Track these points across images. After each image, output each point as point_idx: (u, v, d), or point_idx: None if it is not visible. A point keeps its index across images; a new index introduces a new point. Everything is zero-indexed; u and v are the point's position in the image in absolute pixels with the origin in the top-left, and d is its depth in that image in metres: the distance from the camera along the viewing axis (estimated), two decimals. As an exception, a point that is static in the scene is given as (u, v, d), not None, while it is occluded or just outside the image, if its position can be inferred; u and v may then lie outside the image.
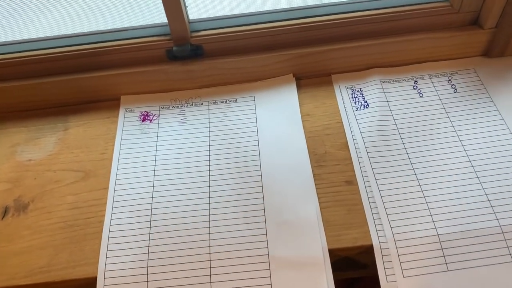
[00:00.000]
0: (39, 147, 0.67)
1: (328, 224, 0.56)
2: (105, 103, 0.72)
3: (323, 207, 0.57)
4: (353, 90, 0.70)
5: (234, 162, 0.63)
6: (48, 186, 0.62)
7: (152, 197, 0.60)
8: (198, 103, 0.70)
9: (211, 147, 0.65)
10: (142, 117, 0.69)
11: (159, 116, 0.69)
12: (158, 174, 0.62)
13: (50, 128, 0.69)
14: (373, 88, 0.69)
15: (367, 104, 0.67)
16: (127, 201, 0.60)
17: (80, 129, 0.69)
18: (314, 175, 0.60)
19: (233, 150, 0.64)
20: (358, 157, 0.62)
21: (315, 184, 0.59)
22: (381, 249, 0.54)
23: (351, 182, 0.60)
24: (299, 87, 0.71)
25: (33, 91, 0.70)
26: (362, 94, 0.69)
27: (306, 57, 0.70)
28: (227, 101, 0.70)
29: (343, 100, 0.69)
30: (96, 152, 0.66)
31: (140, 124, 0.68)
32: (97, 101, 0.72)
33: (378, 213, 0.56)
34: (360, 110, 0.67)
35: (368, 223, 0.56)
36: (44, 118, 0.71)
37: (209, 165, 0.63)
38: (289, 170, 0.61)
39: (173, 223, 0.58)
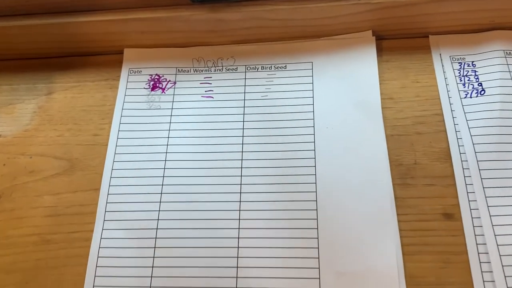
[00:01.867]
0: (12, 117, 0.49)
1: (413, 282, 0.37)
2: (102, 58, 0.52)
3: (407, 253, 0.38)
4: (461, 63, 0.47)
5: (278, 166, 0.43)
6: (20, 178, 0.45)
7: (159, 210, 0.42)
8: (231, 67, 0.49)
9: (245, 138, 0.45)
10: (152, 83, 0.49)
11: (175, 83, 0.49)
12: (170, 175, 0.44)
13: (28, 89, 0.51)
14: (492, 63, 0.46)
15: (482, 89, 0.45)
16: (125, 212, 0.43)
17: (67, 95, 0.50)
18: (396, 198, 0.41)
19: (276, 146, 0.44)
20: (464, 175, 0.41)
21: (397, 215, 0.40)
22: (493, 331, 0.35)
23: (452, 215, 0.40)
24: (380, 52, 0.48)
25: (5, 37, 0.50)
26: (475, 71, 0.46)
27: (394, 9, 0.46)
28: (272, 67, 0.48)
29: (445, 78, 0.46)
30: (87, 132, 0.47)
31: (149, 94, 0.49)
32: (92, 53, 0.52)
33: (491, 271, 0.37)
34: (471, 97, 0.45)
35: (475, 285, 0.37)
36: (20, 74, 0.52)
37: (242, 167, 0.44)
38: (358, 186, 0.41)
39: (188, 245, 0.41)
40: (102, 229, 0.42)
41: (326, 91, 0.46)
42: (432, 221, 0.40)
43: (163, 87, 0.49)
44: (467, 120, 0.43)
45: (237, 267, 0.39)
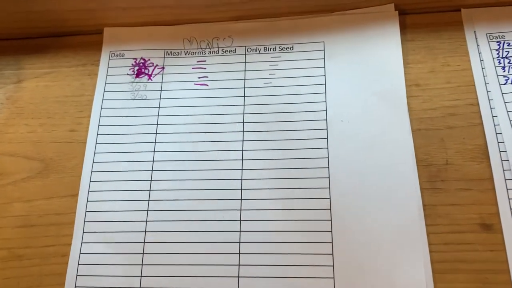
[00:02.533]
0: (-23, 110, 0.43)
1: (445, 307, 0.32)
2: (79, 39, 0.45)
3: (438, 272, 0.33)
4: (500, 43, 0.39)
5: (284, 168, 0.37)
6: (-14, 182, 0.39)
7: (147, 220, 0.36)
8: (229, 48, 0.42)
9: (246, 134, 0.38)
10: (137, 68, 0.42)
11: (163, 68, 0.42)
12: (159, 178, 0.38)
13: (-6, 77, 0.44)
14: (538, 41, 0.39)
15: (527, 73, 0.38)
16: (108, 223, 0.37)
17: (39, 83, 0.43)
18: (424, 206, 0.34)
19: (282, 144, 0.38)
20: (505, 178, 0.35)
21: (426, 225, 0.34)
22: None
23: (491, 226, 0.34)
24: (403, 29, 0.41)
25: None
26: (518, 51, 0.39)
27: (422, -24, 0.39)
28: (277, 49, 0.41)
29: (481, 61, 0.39)
30: (62, 128, 0.41)
31: (133, 82, 0.42)
32: (66, 34, 0.45)
33: (539, 294, 0.31)
34: (512, 83, 0.38)
35: (519, 311, 0.31)
36: (-15, 59, 0.45)
37: (242, 168, 0.37)
38: (379, 192, 0.35)
39: (181, 262, 0.35)
40: (81, 243, 0.36)
41: (340, 77, 0.39)
42: (467, 233, 0.34)
43: (150, 73, 0.42)
44: (507, 111, 0.37)
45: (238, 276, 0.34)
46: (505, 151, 0.35)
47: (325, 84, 0.39)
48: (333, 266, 0.33)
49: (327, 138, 0.37)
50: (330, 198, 0.35)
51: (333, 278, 0.33)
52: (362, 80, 0.39)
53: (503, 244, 0.33)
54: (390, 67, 0.39)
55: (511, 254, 0.33)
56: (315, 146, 0.37)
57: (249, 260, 0.34)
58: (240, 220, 0.36)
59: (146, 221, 0.36)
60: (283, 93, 0.39)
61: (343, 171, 0.36)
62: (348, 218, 0.35)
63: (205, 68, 0.41)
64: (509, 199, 0.34)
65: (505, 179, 0.35)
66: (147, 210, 0.37)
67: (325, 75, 0.40)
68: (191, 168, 0.38)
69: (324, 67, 0.40)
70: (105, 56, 0.43)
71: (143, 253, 0.35)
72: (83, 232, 0.37)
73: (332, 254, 0.34)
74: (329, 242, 0.34)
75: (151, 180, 0.38)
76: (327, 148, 0.37)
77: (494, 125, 0.36)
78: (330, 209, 0.35)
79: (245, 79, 0.40)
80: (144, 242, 0.36)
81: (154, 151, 0.39)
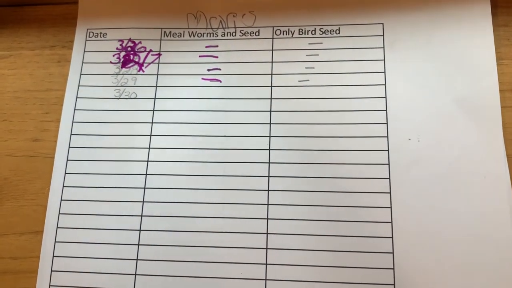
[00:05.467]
0: None
1: None
2: (45, 11, 0.33)
3: None
4: None
5: (325, 205, 0.26)
6: None
7: (136, 274, 0.26)
8: (250, 29, 0.30)
9: (273, 153, 0.28)
10: (124, 54, 0.31)
11: (159, 55, 0.31)
12: (152, 213, 0.27)
13: None
14: None
15: None
16: (83, 275, 0.27)
17: (-8, 71, 0.32)
18: (527, 269, 0.24)
19: (323, 168, 0.27)
20: None
21: (530, 296, 0.24)
22: None
23: None
24: (494, 10, 0.29)
25: None
26: None
27: None
28: (317, 32, 0.30)
29: None
30: (22, 135, 0.30)
31: (119, 74, 0.31)
32: (29, 3, 0.33)
33: None
34: None
35: None
36: None
37: (268, 203, 0.27)
38: (463, 248, 0.25)
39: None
40: (50, 279, 0.26)
41: (407, 75, 0.28)
42: None
43: (141, 61, 0.31)
44: None
45: None
46: None
47: (385, 84, 0.28)
48: None
49: (388, 164, 0.27)
50: (393, 253, 0.25)
51: None
52: (437, 81, 0.28)
53: None
54: (476, 63, 0.28)
55: None
56: (371, 175, 0.27)
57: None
58: (266, 280, 0.26)
59: (135, 274, 0.26)
60: (325, 96, 0.28)
61: (411, 211, 0.26)
62: (417, 282, 0.25)
63: (217, 57, 0.30)
64: None
65: None
66: (137, 260, 0.27)
67: (384, 72, 0.28)
68: (198, 199, 0.27)
69: (384, 59, 0.29)
70: (80, 35, 0.32)
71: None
72: (50, 286, 0.27)
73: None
74: (391, 315, 0.24)
75: (141, 216, 0.27)
76: (389, 178, 0.26)
77: None
78: (393, 268, 0.25)
79: (272, 74, 0.29)
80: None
81: (146, 174, 0.28)
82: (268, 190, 0.27)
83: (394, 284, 0.25)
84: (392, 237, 0.25)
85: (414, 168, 0.26)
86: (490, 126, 0.27)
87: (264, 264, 0.26)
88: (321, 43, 0.29)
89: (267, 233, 0.26)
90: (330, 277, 0.25)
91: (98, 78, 0.30)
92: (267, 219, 0.27)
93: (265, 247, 0.26)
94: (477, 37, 0.28)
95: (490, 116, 0.27)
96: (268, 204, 0.27)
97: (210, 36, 0.31)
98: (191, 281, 0.26)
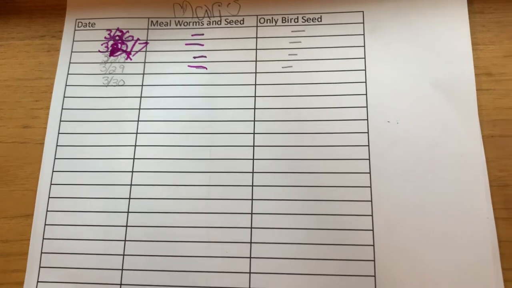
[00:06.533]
0: None
1: None
2: (36, 1, 0.34)
3: (521, 336, 0.24)
4: None
5: (308, 186, 0.27)
6: None
7: (124, 254, 0.27)
8: (234, 18, 0.31)
9: (258, 136, 0.29)
10: (112, 42, 0.32)
11: (146, 43, 0.31)
12: (140, 196, 0.28)
13: None
14: None
15: None
16: (72, 256, 0.27)
17: (-18, 61, 0.33)
18: (499, 242, 0.25)
19: (306, 151, 0.28)
20: None
21: (502, 270, 0.25)
22: None
23: None
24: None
25: None
26: None
27: None
28: (300, 20, 0.31)
29: None
30: (13, 122, 0.31)
31: (107, 62, 0.31)
32: (18, -6, 0.34)
33: None
34: None
35: None
36: None
37: (252, 185, 0.28)
38: (439, 223, 0.26)
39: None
40: (37, 282, 0.27)
41: (386, 61, 0.29)
42: (560, 282, 0.25)
43: (129, 49, 0.31)
44: None
45: None
46: None
47: (365, 70, 0.29)
48: (376, 324, 0.25)
49: (368, 146, 0.28)
50: (373, 230, 0.26)
51: None
52: (416, 65, 0.29)
53: None
54: (453, 48, 0.29)
55: None
56: (352, 156, 0.28)
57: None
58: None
59: (124, 254, 0.27)
60: (307, 82, 0.29)
61: (391, 194, 0.27)
62: (396, 259, 0.26)
63: (202, 45, 0.31)
64: None
65: None
66: (125, 240, 0.27)
67: (364, 58, 0.29)
68: (183, 182, 0.28)
69: (364, 46, 0.30)
70: (69, 25, 0.32)
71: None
72: (40, 267, 0.27)
73: (376, 308, 0.25)
74: (371, 275, 0.25)
75: (129, 198, 0.28)
76: (369, 159, 0.27)
77: None
78: (374, 245, 0.26)
79: (256, 61, 0.30)
80: (121, 284, 0.27)
81: (134, 158, 0.29)
82: (253, 172, 0.28)
83: (374, 260, 0.26)
84: (372, 215, 0.26)
85: (393, 149, 0.27)
86: (466, 108, 0.28)
87: (248, 243, 0.27)
88: (304, 30, 0.30)
89: (251, 213, 0.27)
90: (314, 251, 0.26)
91: (86, 67, 0.31)
92: (252, 199, 0.27)
93: (249, 225, 0.27)
94: (453, 23, 0.29)
95: (466, 99, 0.28)
96: (252, 186, 0.28)
97: (196, 25, 0.31)
98: (177, 260, 0.27)
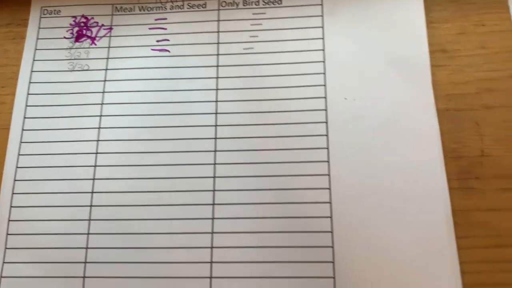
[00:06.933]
0: None
1: None
2: (0, -10, 0.34)
3: (474, 301, 0.25)
4: (552, -7, 0.30)
5: (269, 162, 0.28)
6: None
7: (89, 233, 0.28)
8: (197, 2, 0.32)
9: (220, 116, 0.29)
10: (77, 29, 0.32)
11: (110, 29, 0.32)
12: (104, 176, 0.29)
13: None
14: None
15: None
16: (38, 237, 0.28)
17: None
18: (453, 211, 0.26)
19: (267, 129, 0.29)
20: (559, 173, 0.27)
21: (456, 238, 0.26)
22: None
23: (542, 238, 0.26)
24: (425, -23, 0.31)
25: None
26: None
27: None
28: (260, 3, 0.31)
29: (527, 18, 0.30)
30: (-23, 109, 0.31)
31: (72, 48, 0.32)
32: (-16, -17, 0.34)
33: None
34: None
35: None
36: None
37: (215, 163, 0.28)
38: (394, 195, 0.27)
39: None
40: (3, 263, 0.27)
41: (343, 41, 0.30)
42: (511, 247, 0.26)
43: (93, 35, 0.32)
44: (562, 85, 0.28)
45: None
46: (559, 138, 0.27)
47: (323, 50, 0.30)
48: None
49: (326, 122, 0.28)
50: (330, 203, 0.27)
51: (335, 309, 0.25)
52: (372, 45, 0.30)
53: (557, 262, 0.25)
54: (408, 27, 0.30)
55: None
56: (310, 132, 0.28)
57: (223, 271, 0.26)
58: (212, 233, 0.27)
59: (88, 234, 0.27)
60: (268, 62, 0.30)
61: (348, 167, 0.27)
62: (354, 229, 0.26)
63: (165, 29, 0.31)
64: None
65: (560, 176, 0.26)
66: (89, 220, 0.28)
67: (323, 38, 0.30)
68: (147, 162, 0.28)
69: (323, 27, 0.30)
70: (35, 13, 0.33)
71: (84, 277, 0.27)
72: (5, 248, 0.28)
73: (334, 277, 0.26)
74: (330, 261, 0.26)
75: (94, 179, 0.28)
76: (327, 135, 0.28)
77: (545, 103, 0.28)
78: (331, 217, 0.27)
79: (218, 43, 0.31)
80: (85, 263, 0.27)
81: (98, 140, 0.29)
82: (215, 151, 0.28)
83: (332, 232, 0.26)
84: (329, 189, 0.27)
85: (350, 125, 0.28)
86: (421, 84, 0.28)
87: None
88: (264, 13, 0.31)
89: (214, 190, 0.28)
90: (274, 225, 0.27)
91: (52, 53, 0.32)
92: (214, 177, 0.28)
93: (212, 205, 0.27)
94: (409, 4, 0.30)
95: (421, 75, 0.29)
96: (214, 164, 0.28)
97: (159, 9, 0.32)
98: (141, 237, 0.27)
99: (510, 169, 0.27)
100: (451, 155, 0.27)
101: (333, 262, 0.26)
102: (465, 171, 0.27)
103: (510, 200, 0.26)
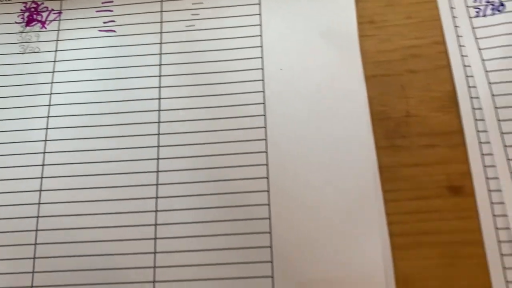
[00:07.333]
0: None
1: (407, 289, 0.26)
2: (-47, -20, 0.36)
3: (398, 247, 0.27)
4: (471, -34, 0.33)
5: (210, 130, 0.30)
6: None
7: (40, 203, 0.29)
8: (142, -15, 0.34)
9: (164, 89, 0.31)
10: (28, 14, 0.34)
11: (60, 13, 0.34)
12: (55, 149, 0.30)
13: None
14: (515, -37, 0.32)
15: (501, 4, 0.31)
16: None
17: None
18: (380, 168, 0.28)
19: (208, 100, 0.30)
20: (477, 129, 0.29)
21: (383, 192, 0.28)
22: None
23: (461, 189, 0.28)
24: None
25: None
26: (491, -24, 0.32)
27: None
28: (201, -15, 0.33)
29: (448, -11, 0.32)
30: None
31: (23, 32, 0.33)
32: None
33: (519, 267, 0.26)
34: (484, 15, 0.31)
35: (495, 289, 0.26)
36: None
37: (159, 133, 0.30)
38: (326, 153, 0.29)
39: (84, 250, 0.28)
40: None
41: (279, 16, 0.32)
42: (433, 198, 0.28)
43: (43, 19, 0.33)
44: (479, 49, 0.30)
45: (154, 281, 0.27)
46: (478, 97, 0.29)
47: (260, 25, 0.32)
48: (271, 247, 0.27)
49: (263, 92, 0.30)
50: (267, 165, 0.29)
51: (271, 262, 0.27)
52: (306, 19, 0.31)
53: (475, 210, 0.27)
54: (339, 1, 0.32)
55: (485, 221, 0.27)
56: (249, 101, 0.30)
57: (166, 246, 0.27)
58: (156, 197, 0.28)
59: (39, 203, 0.29)
60: (209, 38, 0.32)
61: (283, 130, 0.29)
62: (289, 187, 0.28)
63: (112, 11, 0.33)
64: (482, 155, 0.28)
65: (477, 131, 0.28)
66: (40, 190, 0.29)
67: (260, 14, 0.32)
68: (96, 134, 0.30)
69: (259, 3, 0.32)
70: (-14, 0, 0.34)
71: (35, 244, 0.28)
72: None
73: (270, 232, 0.27)
74: (266, 217, 0.28)
75: (44, 153, 0.30)
76: (264, 103, 0.30)
77: (464, 66, 0.30)
78: (268, 177, 0.28)
79: (161, 22, 0.32)
80: (37, 230, 0.28)
81: (48, 116, 0.31)
82: (159, 122, 0.30)
83: (268, 191, 0.28)
84: (266, 152, 0.29)
85: (285, 93, 0.30)
86: (350, 53, 0.30)
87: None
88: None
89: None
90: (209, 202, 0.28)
91: (3, 37, 0.33)
92: (158, 146, 0.29)
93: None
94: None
95: (350, 45, 0.31)
96: (158, 134, 0.30)
97: (106, -7, 0.34)
98: (89, 205, 0.29)
99: (433, 127, 0.29)
100: (378, 117, 0.29)
101: (269, 219, 0.27)
102: (391, 130, 0.29)
103: (433, 155, 0.28)
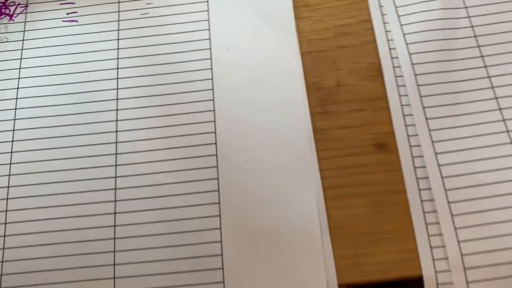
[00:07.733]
0: None
1: (340, 234, 0.29)
2: None
3: (331, 198, 0.30)
4: (393, -47, 0.37)
5: (165, 104, 0.33)
6: None
7: (9, 186, 0.32)
8: (101, -20, 0.37)
9: (121, 70, 0.34)
10: (-4, 8, 0.37)
11: (26, 6, 0.37)
12: (22, 127, 0.33)
13: None
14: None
15: (420, -16, 0.35)
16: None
17: None
18: (315, 131, 0.32)
19: (162, 78, 0.34)
20: (399, 94, 0.32)
21: (317, 151, 0.31)
22: (438, 284, 0.28)
23: (385, 146, 0.31)
24: None
25: None
26: (411, -38, 0.36)
27: None
28: (156, -25, 0.37)
29: (374, -26, 0.36)
30: None
31: (-8, 24, 0.37)
32: None
33: (435, 211, 0.29)
34: (406, -4, 0.35)
35: (416, 234, 0.29)
36: None
37: (117, 109, 0.33)
38: (267, 120, 0.32)
39: (48, 215, 0.31)
40: None
41: (224, 1, 0.36)
42: (362, 155, 0.31)
43: (11, 12, 0.37)
44: (401, 25, 0.34)
45: (114, 251, 0.30)
46: (399, 66, 0.33)
47: (208, 11, 0.35)
48: (219, 203, 0.30)
49: (211, 69, 0.34)
50: (215, 132, 0.32)
51: (219, 216, 0.30)
52: (247, 4, 0.35)
53: (398, 164, 0.31)
54: (275, -11, 0.36)
55: (407, 172, 0.30)
56: (199, 78, 0.34)
57: (126, 194, 0.31)
58: (116, 165, 0.32)
59: (8, 186, 0.32)
60: (162, 24, 0.35)
61: (229, 102, 0.33)
62: (234, 151, 0.31)
63: (74, 3, 0.36)
64: (403, 115, 0.32)
65: (400, 95, 0.32)
66: (9, 175, 0.32)
67: (207, 1, 0.36)
68: (60, 112, 0.33)
69: (207, 2, 0.36)
70: (-42, -3, 0.37)
71: (5, 223, 0.31)
72: None
73: (218, 190, 0.30)
74: (214, 178, 0.31)
75: (13, 130, 0.33)
76: (212, 79, 0.33)
77: (388, 40, 0.34)
78: (216, 143, 0.32)
79: (119, 11, 0.36)
80: (6, 211, 0.31)
81: (16, 98, 0.34)
82: (117, 99, 0.33)
83: (216, 155, 0.31)
84: (214, 121, 0.32)
85: (230, 71, 0.33)
86: (287, 33, 0.34)
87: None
88: (157, -12, 0.37)
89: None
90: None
91: (-27, 30, 0.36)
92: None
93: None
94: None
95: (287, 26, 0.34)
96: (117, 111, 0.33)
97: (68, -13, 0.37)
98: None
99: (360, 94, 0.33)
100: (313, 88, 0.33)
101: (217, 179, 0.31)
102: (324, 98, 0.33)
103: (361, 118, 0.32)
